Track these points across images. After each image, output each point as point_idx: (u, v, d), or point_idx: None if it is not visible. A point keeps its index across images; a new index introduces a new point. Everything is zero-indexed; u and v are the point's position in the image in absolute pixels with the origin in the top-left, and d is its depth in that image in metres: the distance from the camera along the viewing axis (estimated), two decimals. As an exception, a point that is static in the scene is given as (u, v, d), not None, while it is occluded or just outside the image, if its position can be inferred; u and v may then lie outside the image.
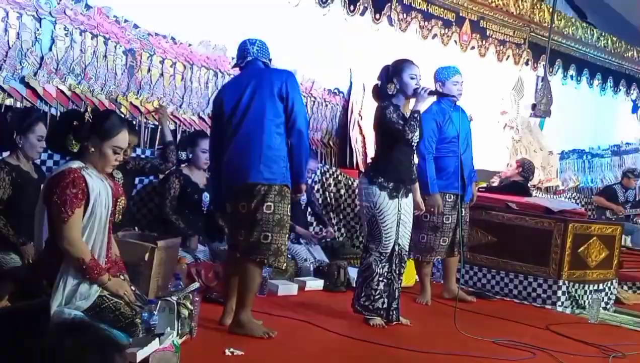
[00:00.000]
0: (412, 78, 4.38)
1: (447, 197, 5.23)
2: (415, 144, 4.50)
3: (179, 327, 3.37)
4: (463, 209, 5.31)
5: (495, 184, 8.04)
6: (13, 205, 4.10)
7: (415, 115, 4.35)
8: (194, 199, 5.30)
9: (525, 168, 7.87)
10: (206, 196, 5.33)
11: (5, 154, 4.34)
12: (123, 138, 3.35)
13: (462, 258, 5.25)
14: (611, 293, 6.09)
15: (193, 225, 5.27)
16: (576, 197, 10.14)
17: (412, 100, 4.42)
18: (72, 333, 1.47)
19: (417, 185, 4.66)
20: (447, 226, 5.28)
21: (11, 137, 4.17)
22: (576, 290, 5.78)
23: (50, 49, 5.07)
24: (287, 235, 3.97)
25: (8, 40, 4.84)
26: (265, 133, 3.84)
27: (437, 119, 5.16)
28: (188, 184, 5.30)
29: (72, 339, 1.45)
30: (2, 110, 4.75)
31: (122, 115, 5.03)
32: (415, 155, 4.66)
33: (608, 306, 5.97)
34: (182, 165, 5.46)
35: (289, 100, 3.87)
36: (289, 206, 3.93)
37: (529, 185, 8.12)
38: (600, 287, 5.96)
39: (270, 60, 4.10)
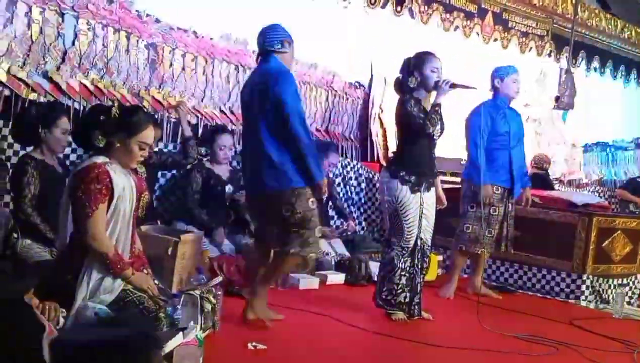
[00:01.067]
0: (433, 71, 4.35)
1: (494, 188, 5.25)
2: (438, 138, 4.48)
3: (202, 321, 3.38)
4: (510, 204, 5.35)
5: None
6: (42, 201, 4.11)
7: (437, 108, 4.33)
8: (217, 191, 5.31)
9: (536, 160, 7.86)
10: (230, 188, 5.35)
11: (29, 149, 4.36)
12: (149, 134, 3.36)
13: (507, 253, 5.42)
14: (636, 288, 6.03)
15: (217, 218, 5.28)
16: (600, 191, 10.03)
17: (434, 94, 4.38)
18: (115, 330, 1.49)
19: (439, 179, 4.64)
20: (494, 218, 5.27)
21: (36, 131, 4.18)
22: (600, 285, 5.73)
23: (73, 44, 5.10)
24: (316, 227, 3.95)
25: (31, 35, 4.88)
26: (263, 142, 3.85)
27: (492, 112, 5.24)
28: (210, 177, 5.33)
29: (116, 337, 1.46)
30: (26, 104, 4.79)
31: (146, 110, 5.05)
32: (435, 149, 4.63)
33: (632, 301, 5.91)
34: (204, 159, 5.48)
35: (280, 105, 3.80)
36: (310, 200, 3.91)
37: (550, 177, 8.07)
38: (625, 281, 5.91)
39: (282, 41, 3.97)
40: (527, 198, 5.53)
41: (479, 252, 5.33)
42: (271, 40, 3.98)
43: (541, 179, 7.57)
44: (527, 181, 5.54)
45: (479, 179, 5.07)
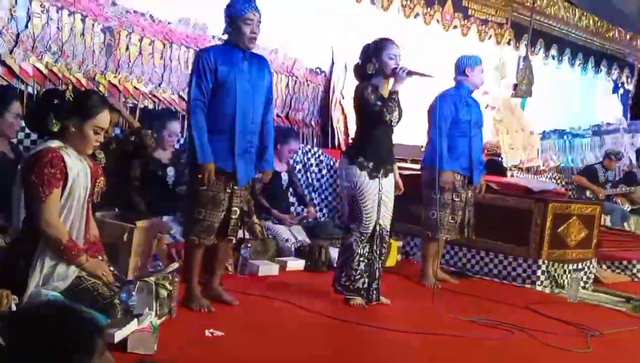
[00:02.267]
0: (390, 58, 4.35)
1: (456, 176, 5.30)
2: (396, 124, 4.49)
3: (158, 308, 3.35)
4: (469, 191, 5.42)
5: None
6: None
7: (393, 95, 4.34)
8: (158, 176, 5.18)
9: (488, 147, 7.98)
10: (171, 170, 5.23)
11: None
12: (104, 118, 3.31)
13: (468, 239, 5.51)
14: (590, 273, 6.15)
15: (160, 203, 5.16)
16: (557, 178, 10.20)
17: (392, 80, 4.39)
18: (54, 314, 1.46)
19: (396, 165, 4.66)
20: (457, 204, 5.33)
21: None
22: (555, 270, 5.82)
23: (27, 27, 4.99)
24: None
25: (-18, 18, 4.76)
26: None
27: (455, 101, 5.28)
28: (150, 162, 5.18)
29: (54, 321, 1.43)
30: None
31: (102, 94, 4.96)
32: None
33: (587, 285, 6.02)
34: None
35: None
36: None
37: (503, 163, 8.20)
38: (580, 266, 6.01)
39: (226, 25, 3.97)
40: (482, 186, 5.56)
41: (445, 238, 5.37)
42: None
43: (497, 165, 7.67)
44: (482, 169, 5.58)
45: (440, 165, 5.11)
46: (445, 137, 5.20)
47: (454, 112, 5.27)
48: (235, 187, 3.96)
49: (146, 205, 5.04)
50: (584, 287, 5.86)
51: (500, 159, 8.18)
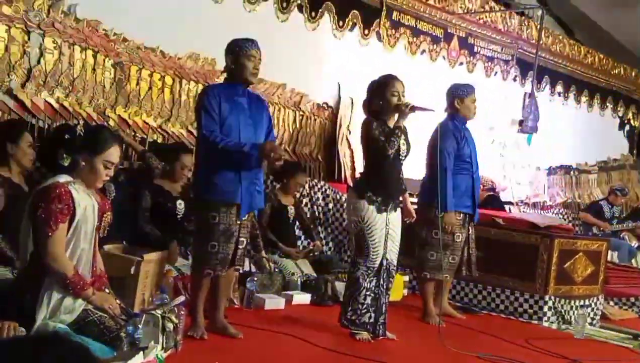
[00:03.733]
0: (393, 95, 4.40)
1: (457, 215, 5.17)
2: (404, 158, 4.53)
3: (164, 341, 3.35)
4: (471, 228, 5.30)
5: None
6: (4, 219, 4.04)
7: (396, 130, 4.37)
8: (168, 208, 5.21)
9: (483, 182, 7.97)
10: (180, 203, 5.26)
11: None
12: (114, 153, 3.35)
13: (471, 276, 5.38)
14: (597, 309, 6.11)
15: (169, 234, 5.18)
16: (564, 213, 10.18)
17: (397, 116, 4.44)
18: (49, 345, 1.47)
19: (407, 194, 4.68)
20: (458, 244, 5.21)
21: (3, 147, 4.13)
22: (562, 306, 5.79)
23: (39, 62, 5.08)
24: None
25: (-4, 53, 4.85)
26: None
27: (456, 134, 5.15)
28: (159, 194, 5.21)
29: (49, 351, 1.44)
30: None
31: (112, 129, 5.03)
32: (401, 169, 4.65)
33: (594, 322, 5.98)
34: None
35: None
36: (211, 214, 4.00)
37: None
38: (587, 302, 5.98)
39: (228, 63, 4.09)
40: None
41: (445, 278, 5.28)
42: None
43: (496, 200, 7.69)
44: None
45: (445, 206, 4.99)
46: (450, 176, 5.06)
47: (456, 147, 5.13)
48: (243, 218, 4.03)
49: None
50: (590, 324, 5.82)
51: (497, 193, 8.17)
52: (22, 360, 1.40)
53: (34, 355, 1.41)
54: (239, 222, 4.02)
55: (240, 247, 4.08)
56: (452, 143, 5.13)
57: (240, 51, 4.02)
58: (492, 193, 7.86)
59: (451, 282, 5.59)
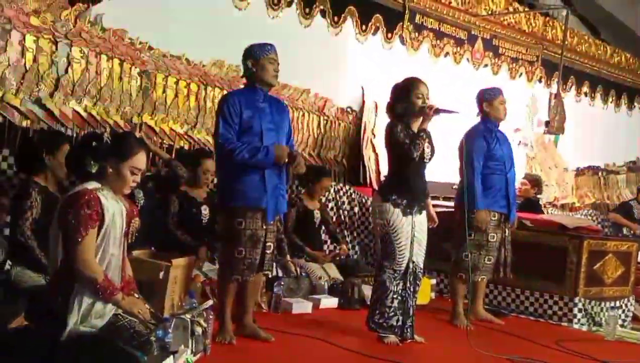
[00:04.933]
0: (418, 97, 4.40)
1: (491, 215, 5.16)
2: (428, 161, 4.53)
3: (193, 345, 3.38)
4: (507, 229, 5.29)
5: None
6: (40, 227, 4.10)
7: (421, 133, 4.37)
8: (193, 214, 5.26)
9: (539, 184, 7.90)
10: (205, 209, 5.29)
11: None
12: (141, 159, 3.38)
13: (505, 278, 5.35)
14: (628, 310, 6.04)
15: (196, 240, 5.23)
16: (592, 214, 10.06)
17: (421, 119, 4.43)
18: (88, 348, 1.50)
19: (429, 199, 4.67)
20: (492, 244, 5.19)
21: (40, 157, 4.19)
22: (592, 307, 5.73)
23: (66, 71, 5.15)
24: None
25: (25, 63, 4.93)
26: None
27: (486, 135, 5.20)
28: (185, 200, 5.25)
29: (88, 354, 1.47)
30: (19, 132, 4.82)
31: (139, 136, 5.08)
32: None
33: (625, 323, 5.91)
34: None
35: None
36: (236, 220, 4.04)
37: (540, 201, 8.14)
38: (617, 304, 5.91)
39: (248, 67, 4.12)
40: (513, 223, 5.43)
41: (480, 279, 5.29)
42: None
43: (532, 203, 7.62)
44: (515, 203, 5.47)
45: (475, 205, 5.05)
46: (479, 175, 5.12)
47: (486, 147, 5.18)
48: (269, 223, 4.04)
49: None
50: (622, 325, 5.75)
51: (537, 197, 8.09)
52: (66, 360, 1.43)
53: (74, 358, 1.44)
54: (265, 227, 4.04)
55: (268, 251, 4.10)
56: (481, 143, 5.17)
57: (261, 55, 4.05)
58: (531, 197, 7.78)
59: (485, 285, 5.53)
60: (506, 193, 5.25)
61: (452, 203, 6.37)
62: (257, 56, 4.06)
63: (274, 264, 5.41)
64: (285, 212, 4.38)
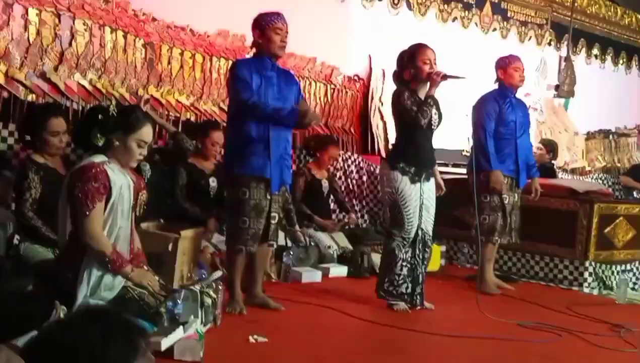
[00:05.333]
0: (425, 63, 4.35)
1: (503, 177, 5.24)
2: (436, 128, 4.49)
3: (203, 316, 3.40)
4: (516, 194, 5.34)
5: None
6: (45, 203, 4.09)
7: (429, 100, 4.33)
8: (201, 186, 5.24)
9: (554, 149, 7.87)
10: (213, 180, 5.28)
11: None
12: (147, 132, 3.38)
13: (513, 244, 5.43)
14: (639, 273, 6.02)
15: (204, 211, 5.22)
16: (603, 178, 10.00)
17: (428, 85, 4.38)
18: (98, 319, 1.50)
19: (437, 167, 4.65)
20: (508, 206, 5.26)
21: (37, 133, 4.17)
22: (603, 271, 5.72)
23: (70, 44, 5.12)
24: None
25: (28, 37, 4.90)
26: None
27: (499, 101, 5.26)
28: (193, 172, 5.22)
29: (98, 325, 1.48)
30: (25, 106, 4.81)
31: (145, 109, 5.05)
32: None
33: (636, 286, 5.90)
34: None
35: None
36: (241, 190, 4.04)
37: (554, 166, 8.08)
38: (628, 267, 5.91)
39: (255, 37, 4.10)
40: (537, 189, 5.47)
41: (498, 241, 5.30)
42: None
43: (547, 169, 7.57)
44: (536, 172, 5.50)
45: (489, 167, 5.11)
46: (491, 137, 5.19)
47: (498, 111, 5.23)
48: (274, 193, 4.04)
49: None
50: (633, 288, 5.75)
51: (551, 163, 8.04)
52: (71, 334, 1.43)
53: (82, 329, 1.44)
54: (269, 197, 4.03)
55: (273, 222, 4.09)
56: (494, 106, 5.24)
57: (267, 25, 4.00)
58: (546, 162, 7.73)
59: (495, 251, 5.51)
60: (516, 158, 5.26)
61: (461, 170, 6.36)
62: (262, 27, 4.02)
63: (284, 234, 5.43)
64: (291, 183, 4.36)
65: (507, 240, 5.36)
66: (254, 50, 4.14)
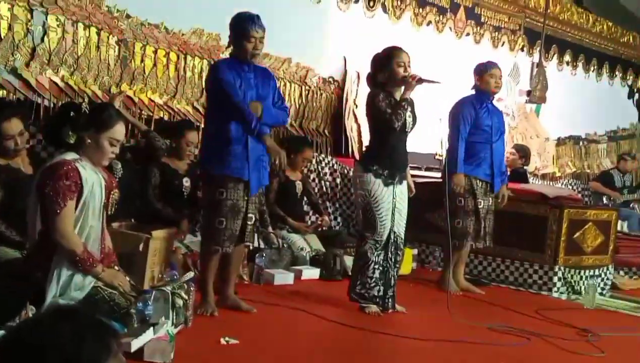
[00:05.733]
0: (400, 65, 4.37)
1: (478, 181, 5.29)
2: (409, 131, 4.51)
3: (174, 317, 3.37)
4: (490, 198, 5.38)
5: None
6: (8, 205, 3.98)
7: (403, 103, 4.35)
8: (174, 186, 5.19)
9: (527, 154, 7.95)
10: (187, 181, 5.23)
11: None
12: (120, 130, 3.36)
13: (485, 248, 5.49)
14: (607, 279, 6.11)
15: (177, 212, 5.17)
16: (573, 184, 10.13)
17: (403, 88, 4.40)
18: (68, 318, 1.48)
19: (408, 169, 4.67)
20: (482, 211, 5.30)
21: None
22: (572, 276, 5.79)
23: (43, 40, 5.05)
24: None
25: (0, 32, 4.81)
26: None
27: (475, 105, 5.31)
28: (166, 172, 5.16)
29: (68, 324, 1.45)
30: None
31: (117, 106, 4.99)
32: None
33: (604, 291, 5.98)
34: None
35: None
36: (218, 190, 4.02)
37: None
38: (596, 272, 5.98)
39: (229, 40, 4.09)
40: (504, 196, 5.50)
41: (469, 246, 5.35)
42: None
43: (520, 174, 7.65)
44: (505, 178, 5.56)
45: (455, 168, 5.15)
46: (464, 141, 5.22)
47: (474, 116, 5.28)
48: (250, 195, 4.02)
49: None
50: (601, 294, 5.83)
51: (523, 168, 8.12)
52: (41, 333, 1.41)
53: (51, 328, 1.42)
54: (246, 198, 4.02)
55: (249, 223, 4.08)
56: (470, 111, 5.29)
57: (240, 31, 3.97)
58: (519, 168, 7.81)
59: (467, 255, 5.59)
60: (491, 163, 5.31)
61: (434, 174, 6.40)
62: (236, 32, 3.99)
63: (256, 235, 5.41)
64: (266, 184, 4.36)
65: (482, 244, 5.41)
66: (231, 48, 4.11)
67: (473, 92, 5.40)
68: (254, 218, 4.13)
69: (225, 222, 3.97)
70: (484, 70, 5.35)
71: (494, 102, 5.62)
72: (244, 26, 3.95)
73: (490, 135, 5.33)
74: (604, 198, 9.08)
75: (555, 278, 5.71)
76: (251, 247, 4.38)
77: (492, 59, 5.62)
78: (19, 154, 4.03)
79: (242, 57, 3.99)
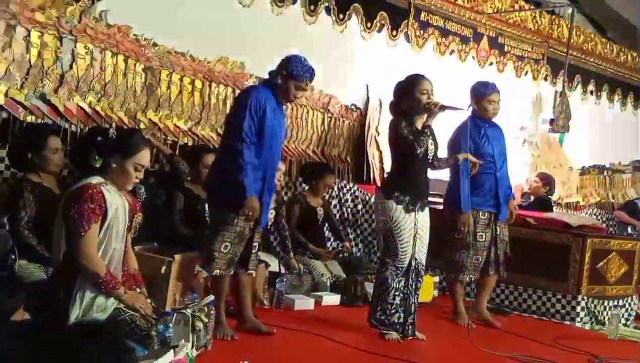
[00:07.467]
0: (422, 93, 4.40)
1: (480, 214, 5.10)
2: (431, 158, 4.53)
3: (194, 340, 3.39)
4: (498, 228, 5.19)
5: (524, 204, 8.02)
6: (39, 222, 4.11)
7: (426, 129, 4.37)
8: (197, 211, 5.25)
9: (551, 183, 7.90)
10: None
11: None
12: (145, 156, 3.42)
13: (499, 278, 5.33)
14: (631, 309, 6.04)
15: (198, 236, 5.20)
16: (597, 213, 10.04)
17: (426, 115, 4.43)
18: (90, 337, 1.52)
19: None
20: (481, 244, 5.12)
21: (26, 155, 4.20)
22: (595, 306, 5.73)
23: (71, 67, 5.16)
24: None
25: (30, 59, 4.93)
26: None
27: (473, 135, 5.02)
28: (189, 197, 5.19)
29: (90, 343, 1.49)
30: (24, 127, 4.83)
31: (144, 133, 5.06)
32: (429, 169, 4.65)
33: (628, 322, 5.91)
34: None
35: None
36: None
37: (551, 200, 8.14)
38: (620, 302, 5.91)
39: (270, 74, 4.15)
40: (511, 212, 5.31)
41: (468, 279, 5.21)
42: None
43: (544, 202, 7.61)
44: (511, 194, 5.34)
45: (459, 206, 4.97)
46: (467, 175, 4.95)
47: (473, 147, 5.00)
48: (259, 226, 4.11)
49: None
50: (625, 324, 5.76)
51: (548, 197, 8.06)
52: (63, 353, 1.44)
53: (73, 348, 1.46)
54: (252, 227, 4.08)
55: (254, 251, 4.15)
56: (467, 142, 4.96)
57: (292, 75, 4.04)
58: (542, 195, 7.76)
59: (492, 286, 5.43)
60: (496, 193, 5.15)
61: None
62: (290, 73, 4.03)
63: (277, 260, 5.44)
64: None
65: (486, 274, 5.23)
66: (272, 78, 4.10)
67: (469, 112, 5.02)
68: (257, 247, 4.20)
69: (229, 247, 4.01)
70: (481, 96, 5.11)
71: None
72: (299, 73, 4.04)
73: (493, 163, 5.11)
74: (629, 228, 8.99)
75: (579, 308, 5.65)
76: (255, 275, 4.39)
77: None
78: (58, 169, 4.26)
79: (281, 97, 4.10)
